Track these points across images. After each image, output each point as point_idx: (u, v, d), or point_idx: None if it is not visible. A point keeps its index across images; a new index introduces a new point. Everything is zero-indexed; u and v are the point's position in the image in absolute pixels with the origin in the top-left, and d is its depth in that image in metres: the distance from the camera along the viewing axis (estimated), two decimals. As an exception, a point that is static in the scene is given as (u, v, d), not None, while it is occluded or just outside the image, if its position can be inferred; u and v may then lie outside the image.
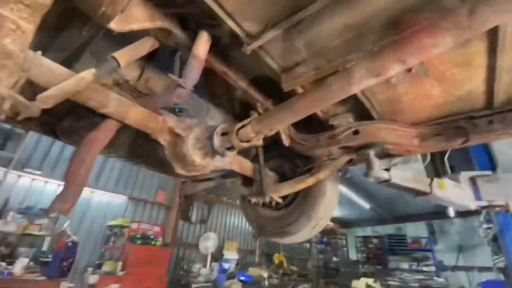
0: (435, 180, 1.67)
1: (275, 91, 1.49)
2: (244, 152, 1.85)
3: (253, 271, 8.49)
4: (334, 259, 12.35)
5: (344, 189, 9.89)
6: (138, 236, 7.07)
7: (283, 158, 2.19)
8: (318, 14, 0.97)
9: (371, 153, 1.47)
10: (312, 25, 1.05)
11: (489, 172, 2.15)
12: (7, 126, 5.33)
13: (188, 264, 8.30)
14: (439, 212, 10.62)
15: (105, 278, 6.05)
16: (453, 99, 1.28)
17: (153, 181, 8.48)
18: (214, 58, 1.42)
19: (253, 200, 1.94)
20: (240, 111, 2.05)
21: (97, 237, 6.95)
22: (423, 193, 1.63)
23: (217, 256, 9.20)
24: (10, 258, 5.06)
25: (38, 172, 6.07)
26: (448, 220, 11.02)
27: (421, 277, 10.07)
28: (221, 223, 10.60)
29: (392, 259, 11.24)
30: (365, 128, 1.47)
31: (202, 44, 1.29)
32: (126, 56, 1.19)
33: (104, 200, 7.34)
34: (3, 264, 4.83)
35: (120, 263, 6.45)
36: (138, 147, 1.94)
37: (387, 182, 1.50)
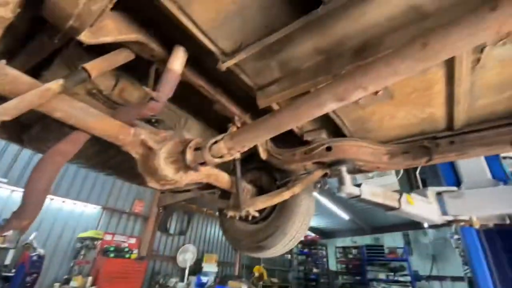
0: (404, 195, 1.74)
1: (253, 105, 1.50)
2: (222, 164, 1.83)
3: (232, 284, 8.30)
4: (314, 270, 12.40)
5: (324, 200, 10.04)
6: (112, 248, 6.75)
7: (262, 171, 2.19)
8: (290, 37, 1.01)
9: (343, 169, 1.51)
10: (285, 46, 1.08)
11: (454, 188, 2.27)
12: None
13: (164, 278, 7.99)
14: (415, 223, 11.03)
15: (73, 295, 5.69)
16: (417, 120, 1.36)
17: (130, 191, 8.18)
18: (191, 71, 1.41)
19: (230, 213, 1.91)
20: (220, 122, 2.05)
21: (66, 250, 6.54)
22: (392, 208, 1.69)
23: (196, 269, 8.92)
24: (-33, 273, 4.66)
25: (4, 180, 5.70)
26: (422, 230, 11.44)
27: (397, 287, 10.32)
28: (200, 235, 10.35)
29: (370, 269, 11.42)
30: (337, 145, 1.52)
31: (178, 58, 1.28)
32: (98, 67, 1.15)
33: (76, 210, 6.96)
34: (-42, 280, 4.43)
35: (90, 278, 6.10)
36: (110, 158, 1.87)
37: (358, 197, 1.54)
